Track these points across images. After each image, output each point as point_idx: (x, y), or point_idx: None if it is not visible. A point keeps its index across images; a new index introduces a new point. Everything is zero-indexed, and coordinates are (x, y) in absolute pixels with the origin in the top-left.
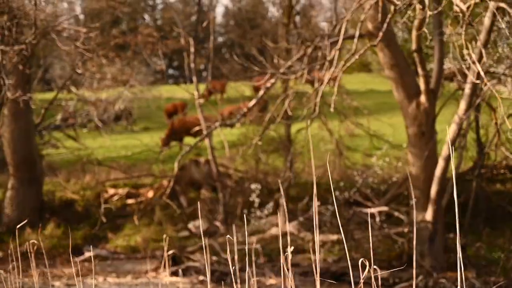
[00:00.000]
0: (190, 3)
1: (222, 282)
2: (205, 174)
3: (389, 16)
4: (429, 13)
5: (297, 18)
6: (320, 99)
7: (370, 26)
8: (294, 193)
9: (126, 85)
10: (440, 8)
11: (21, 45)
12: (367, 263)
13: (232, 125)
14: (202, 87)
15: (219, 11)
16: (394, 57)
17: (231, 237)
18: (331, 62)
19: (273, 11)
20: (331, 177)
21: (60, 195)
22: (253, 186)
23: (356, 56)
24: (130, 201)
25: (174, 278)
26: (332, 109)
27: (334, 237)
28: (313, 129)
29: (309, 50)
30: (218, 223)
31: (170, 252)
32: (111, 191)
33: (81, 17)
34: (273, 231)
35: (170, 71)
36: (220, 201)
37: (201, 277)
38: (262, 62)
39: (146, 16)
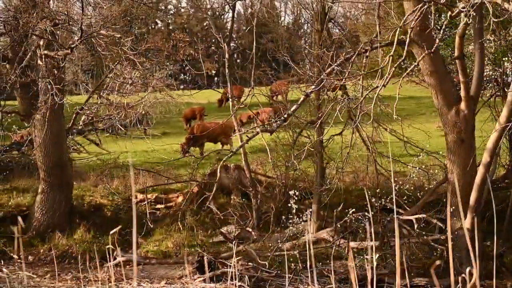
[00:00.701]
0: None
1: None
2: (234, 179)
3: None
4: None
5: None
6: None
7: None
8: (324, 199)
9: (149, 89)
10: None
11: (66, 50)
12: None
13: (272, 131)
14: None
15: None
16: (433, 63)
17: (266, 243)
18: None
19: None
20: (364, 184)
21: (89, 199)
22: (291, 192)
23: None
24: (159, 206)
25: (209, 284)
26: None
27: (370, 243)
28: (346, 135)
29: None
30: (249, 229)
31: (205, 257)
32: (140, 196)
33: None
34: (307, 237)
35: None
36: (253, 206)
37: (238, 283)
38: (293, 67)
39: (158, 21)
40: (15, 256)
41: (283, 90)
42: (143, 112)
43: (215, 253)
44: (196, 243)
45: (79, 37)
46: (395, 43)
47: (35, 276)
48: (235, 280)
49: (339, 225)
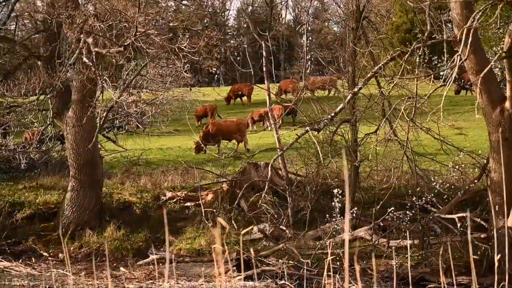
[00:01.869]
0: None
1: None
2: (265, 177)
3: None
4: None
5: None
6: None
7: (456, 31)
8: (358, 198)
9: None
10: None
11: (119, 48)
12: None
13: (319, 129)
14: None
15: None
16: (479, 63)
17: (304, 241)
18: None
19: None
20: (399, 183)
21: (117, 197)
22: (335, 190)
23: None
24: (188, 204)
25: (248, 283)
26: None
27: (409, 242)
28: (381, 134)
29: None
30: (283, 227)
31: (244, 255)
32: (169, 194)
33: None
34: (345, 236)
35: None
36: (289, 205)
37: (281, 281)
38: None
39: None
40: (45, 254)
41: (290, 88)
42: (159, 110)
43: (254, 251)
44: (229, 241)
45: (133, 35)
46: (468, 43)
47: (69, 273)
48: (277, 278)
49: (381, 224)
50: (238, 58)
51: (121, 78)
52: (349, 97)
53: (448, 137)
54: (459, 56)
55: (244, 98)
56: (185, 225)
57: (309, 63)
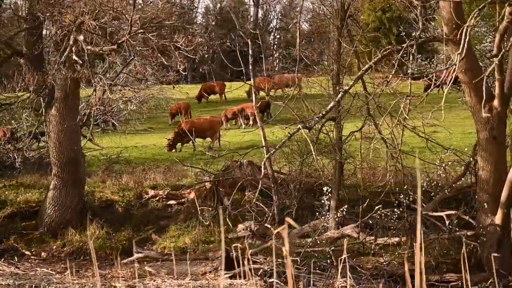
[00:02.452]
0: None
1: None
2: (248, 175)
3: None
4: None
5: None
6: (372, 101)
7: (446, 29)
8: (342, 196)
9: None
10: None
11: (113, 46)
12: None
13: (311, 127)
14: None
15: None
16: (468, 61)
17: (290, 239)
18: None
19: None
20: (383, 180)
21: (99, 195)
22: (325, 188)
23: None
24: (171, 202)
25: (236, 281)
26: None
27: (395, 239)
28: (366, 131)
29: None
30: (268, 225)
31: (231, 254)
32: (151, 192)
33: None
34: (330, 233)
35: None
36: (274, 203)
37: (270, 279)
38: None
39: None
40: (28, 253)
41: (263, 86)
42: (134, 108)
43: (241, 249)
44: (214, 239)
45: (128, 33)
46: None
47: (54, 272)
48: (266, 276)
49: (371, 222)
50: (206, 55)
51: (96, 74)
52: (340, 95)
53: (431, 135)
54: (458, 55)
55: (217, 95)
56: (169, 224)
57: (277, 60)
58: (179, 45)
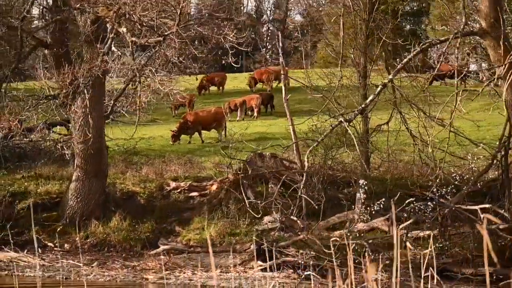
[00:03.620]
0: None
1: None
2: (271, 168)
3: None
4: None
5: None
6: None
7: (483, 23)
8: (369, 189)
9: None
10: None
11: (159, 38)
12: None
13: (351, 120)
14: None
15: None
16: (506, 55)
17: (318, 232)
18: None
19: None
20: (411, 174)
21: (121, 187)
22: (361, 181)
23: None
24: (193, 194)
25: (268, 273)
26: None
27: (428, 233)
28: (393, 125)
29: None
30: (294, 218)
31: (263, 246)
32: (173, 184)
33: None
34: (360, 226)
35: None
36: (303, 195)
37: (307, 272)
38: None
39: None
40: (50, 244)
41: (265, 78)
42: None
43: (272, 241)
44: (240, 231)
45: (176, 24)
46: None
47: (81, 264)
48: (299, 269)
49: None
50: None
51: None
52: (379, 89)
53: (460, 128)
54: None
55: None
56: (192, 216)
57: (270, 52)
58: (230, 38)
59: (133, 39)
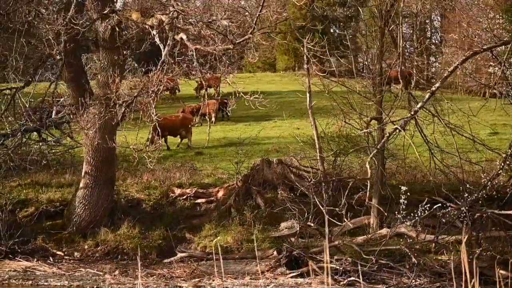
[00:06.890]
0: None
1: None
2: (278, 174)
3: None
4: None
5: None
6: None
7: None
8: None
9: None
10: None
11: (230, 45)
12: None
13: (403, 128)
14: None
15: None
16: None
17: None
18: None
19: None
20: (426, 179)
21: (125, 194)
22: (403, 188)
23: None
24: (199, 200)
25: (300, 279)
26: None
27: (454, 238)
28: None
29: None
30: (311, 224)
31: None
32: (178, 190)
33: None
34: (383, 231)
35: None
36: (325, 202)
37: (350, 278)
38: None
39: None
40: (59, 253)
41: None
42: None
43: (304, 248)
44: (256, 237)
45: (251, 32)
46: None
47: (101, 273)
48: (337, 275)
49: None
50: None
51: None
52: (428, 96)
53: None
54: None
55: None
56: (201, 222)
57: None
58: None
59: (198, 46)
